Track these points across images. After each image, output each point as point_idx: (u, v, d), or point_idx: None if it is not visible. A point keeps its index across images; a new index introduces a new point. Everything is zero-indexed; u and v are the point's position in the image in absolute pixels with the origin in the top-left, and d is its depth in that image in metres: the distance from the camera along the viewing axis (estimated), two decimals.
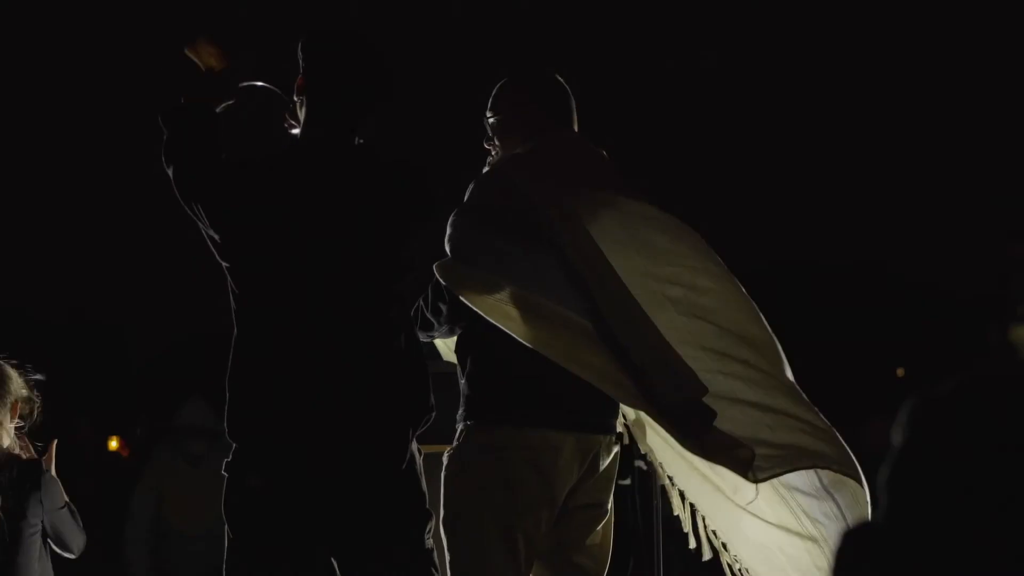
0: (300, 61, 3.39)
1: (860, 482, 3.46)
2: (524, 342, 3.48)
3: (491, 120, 3.85)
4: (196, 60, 3.42)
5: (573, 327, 3.48)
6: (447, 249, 3.62)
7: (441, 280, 3.59)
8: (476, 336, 3.66)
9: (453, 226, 3.63)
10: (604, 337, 3.46)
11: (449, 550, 3.60)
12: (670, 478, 3.92)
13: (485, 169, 3.81)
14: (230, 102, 3.43)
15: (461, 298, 3.55)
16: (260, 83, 3.46)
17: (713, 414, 3.39)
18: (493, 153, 3.86)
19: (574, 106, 3.87)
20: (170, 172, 3.32)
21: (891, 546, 1.59)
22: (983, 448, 1.57)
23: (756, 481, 3.44)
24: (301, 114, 3.39)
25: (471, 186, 3.70)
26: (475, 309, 3.53)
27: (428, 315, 3.74)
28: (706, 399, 3.41)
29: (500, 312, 3.51)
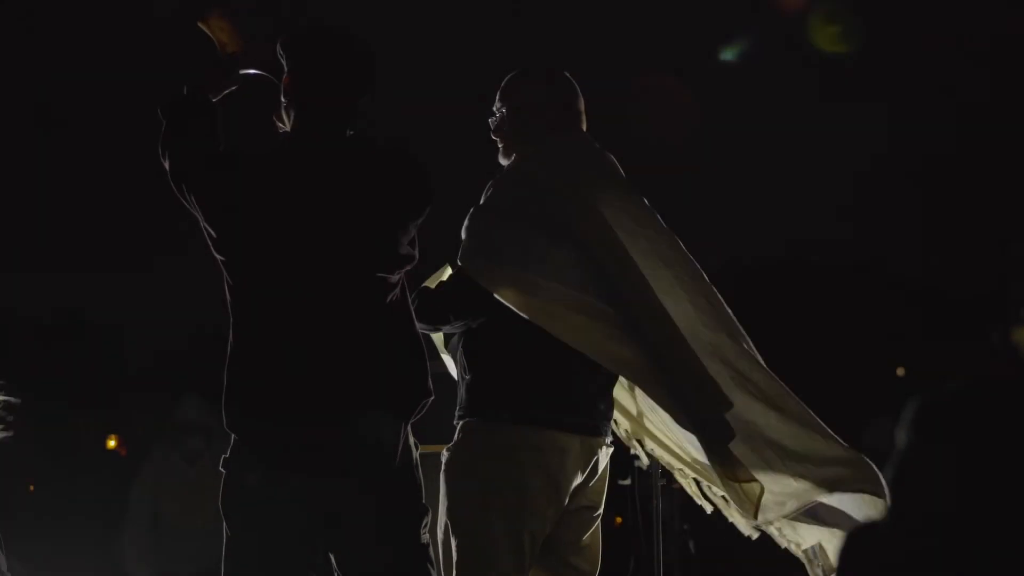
0: (283, 61, 3.40)
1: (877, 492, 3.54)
2: (557, 335, 3.50)
3: (499, 113, 3.84)
4: (208, 33, 3.44)
5: (604, 319, 3.51)
6: (468, 246, 3.62)
7: (470, 276, 3.58)
8: (488, 334, 3.65)
9: (473, 220, 3.64)
10: (633, 334, 3.49)
11: (456, 550, 3.59)
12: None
13: (500, 173, 3.81)
14: (232, 88, 3.45)
15: (495, 295, 3.54)
16: (257, 71, 3.47)
17: (732, 434, 3.47)
18: (501, 146, 3.86)
19: (583, 107, 3.86)
20: (166, 164, 3.33)
21: (895, 545, 1.59)
22: (986, 449, 1.56)
23: (762, 521, 3.62)
24: (290, 114, 3.40)
25: (489, 188, 3.70)
26: (507, 304, 3.52)
27: (442, 310, 3.71)
28: (728, 415, 3.47)
29: (531, 306, 3.51)
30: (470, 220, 3.68)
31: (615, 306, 3.53)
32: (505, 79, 3.87)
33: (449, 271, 3.77)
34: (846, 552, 1.64)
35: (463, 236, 3.68)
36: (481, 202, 3.71)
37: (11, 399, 4.14)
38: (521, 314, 3.52)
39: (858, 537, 1.66)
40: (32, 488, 6.38)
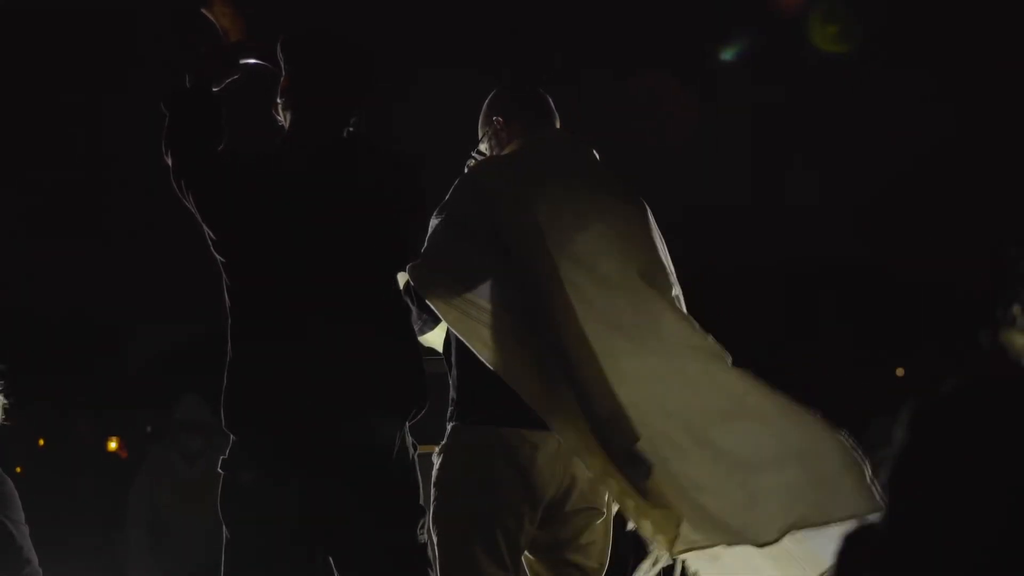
0: (281, 63, 3.41)
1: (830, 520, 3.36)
2: (479, 356, 3.47)
3: (482, 131, 3.90)
4: (212, 20, 3.45)
5: (526, 348, 3.47)
6: (422, 252, 3.63)
7: (411, 282, 3.58)
8: (460, 340, 3.66)
9: (431, 229, 3.64)
10: (550, 363, 3.43)
11: (437, 549, 3.62)
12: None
13: (466, 170, 3.84)
14: (234, 77, 3.45)
15: (427, 302, 3.55)
16: (259, 61, 3.48)
17: (649, 464, 3.36)
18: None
19: (551, 109, 3.89)
20: (169, 161, 3.34)
21: (891, 546, 1.59)
22: (982, 449, 1.57)
23: (672, 552, 3.43)
24: (288, 115, 3.40)
25: (452, 188, 3.71)
26: (437, 313, 3.53)
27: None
28: (642, 443, 3.38)
29: (461, 323, 3.49)
30: (429, 225, 3.67)
31: (535, 330, 3.47)
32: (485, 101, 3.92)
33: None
34: (844, 552, 1.65)
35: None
36: (442, 205, 3.70)
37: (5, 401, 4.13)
38: (450, 327, 3.52)
39: (856, 537, 1.66)
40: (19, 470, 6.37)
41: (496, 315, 3.48)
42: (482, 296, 3.49)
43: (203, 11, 3.45)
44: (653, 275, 3.62)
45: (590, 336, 3.43)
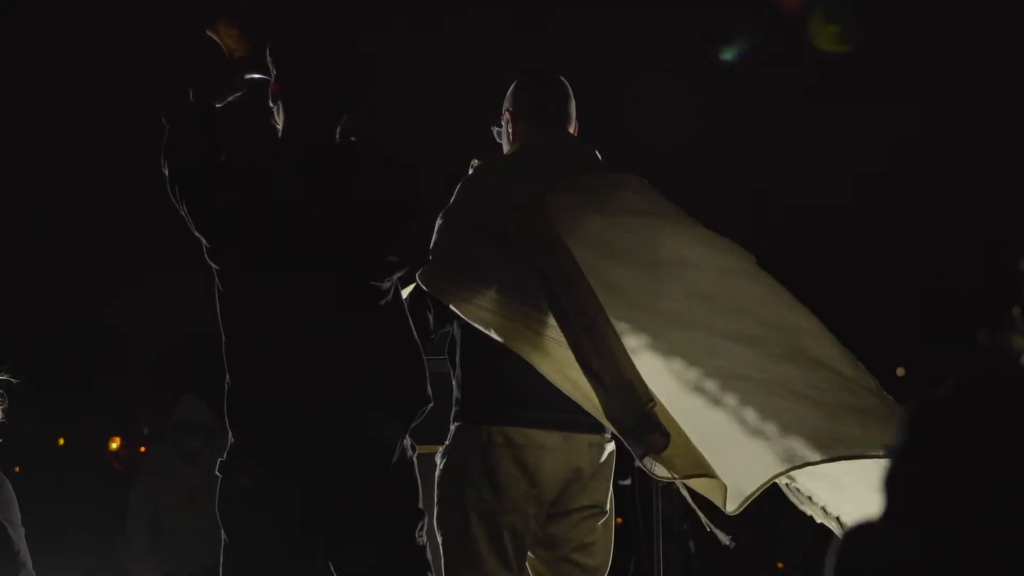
0: (271, 66, 3.39)
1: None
2: (509, 346, 3.49)
3: (502, 120, 3.92)
4: (218, 41, 3.44)
5: (549, 333, 3.48)
6: (431, 256, 3.63)
7: (425, 288, 3.58)
8: (463, 339, 3.68)
9: (438, 232, 3.64)
10: (569, 343, 3.43)
11: (442, 549, 3.63)
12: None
13: (470, 171, 3.85)
14: (237, 94, 3.44)
15: (449, 306, 3.55)
16: (260, 76, 3.47)
17: (665, 433, 3.26)
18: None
19: (573, 109, 3.89)
20: (165, 172, 3.34)
21: (891, 546, 1.59)
22: (981, 449, 1.57)
23: (729, 511, 3.38)
24: (280, 119, 3.39)
25: (458, 188, 3.72)
26: (460, 315, 3.53)
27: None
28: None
29: (482, 318, 3.50)
30: (435, 230, 3.67)
31: (555, 316, 3.46)
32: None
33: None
34: (842, 553, 1.65)
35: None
36: (447, 208, 3.71)
37: (10, 379, 4.13)
38: (474, 324, 3.52)
39: (854, 538, 1.67)
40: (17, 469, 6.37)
41: (514, 303, 3.49)
42: (495, 286, 3.50)
43: (208, 33, 3.44)
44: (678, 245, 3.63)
45: (613, 313, 3.38)
